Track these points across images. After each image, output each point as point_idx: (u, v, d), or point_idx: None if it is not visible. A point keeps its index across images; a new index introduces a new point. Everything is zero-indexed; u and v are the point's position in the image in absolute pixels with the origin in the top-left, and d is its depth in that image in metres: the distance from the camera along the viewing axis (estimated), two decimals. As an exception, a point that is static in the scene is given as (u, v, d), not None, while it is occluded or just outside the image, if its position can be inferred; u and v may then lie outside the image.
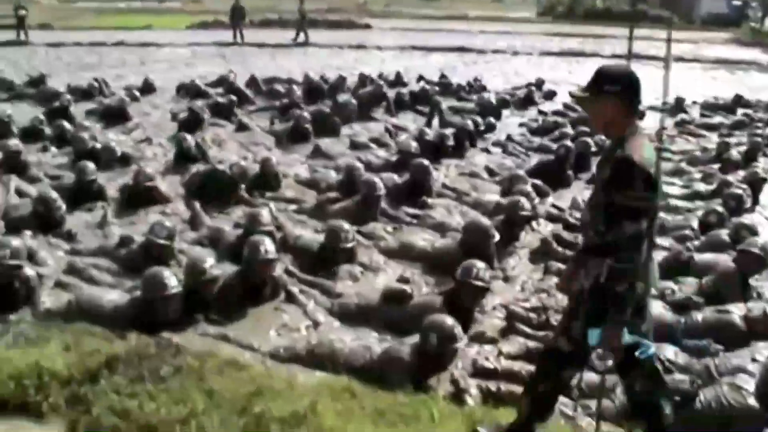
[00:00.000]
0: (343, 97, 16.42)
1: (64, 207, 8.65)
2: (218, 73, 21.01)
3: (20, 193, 9.80)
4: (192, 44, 32.35)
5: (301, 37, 33.98)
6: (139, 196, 9.61)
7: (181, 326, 6.19)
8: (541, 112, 17.12)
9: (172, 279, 6.07)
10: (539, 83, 20.62)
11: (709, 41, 43.27)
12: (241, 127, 14.49)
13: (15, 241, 6.63)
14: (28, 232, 8.16)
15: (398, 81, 20.26)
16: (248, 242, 6.77)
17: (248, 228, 7.65)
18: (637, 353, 3.91)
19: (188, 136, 11.77)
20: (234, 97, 16.06)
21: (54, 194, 8.64)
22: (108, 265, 7.53)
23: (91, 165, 9.88)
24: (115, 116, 15.00)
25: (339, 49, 32.04)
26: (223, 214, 9.39)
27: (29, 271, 6.70)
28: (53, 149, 12.54)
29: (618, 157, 3.78)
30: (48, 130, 13.37)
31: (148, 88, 18.97)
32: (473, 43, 35.47)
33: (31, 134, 13.25)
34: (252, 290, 6.74)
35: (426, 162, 10.25)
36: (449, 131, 12.97)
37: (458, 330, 5.33)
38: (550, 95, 19.37)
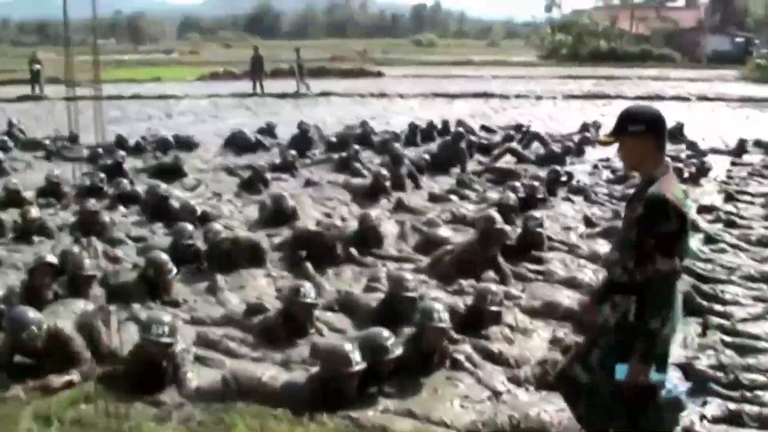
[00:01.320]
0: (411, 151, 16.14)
1: (174, 271, 8.22)
2: (246, 124, 21.04)
3: (110, 258, 9.36)
4: (211, 95, 32.11)
5: (302, 89, 33.76)
6: (236, 258, 9.16)
7: (360, 403, 5.73)
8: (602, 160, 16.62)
9: (356, 354, 5.61)
10: (595, 125, 20.21)
11: (721, 79, 43.52)
12: (308, 183, 14.12)
13: (166, 317, 6.16)
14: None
15: (445, 130, 19.88)
16: (420, 309, 6.34)
17: (393, 292, 7.27)
18: (663, 392, 4.02)
19: (286, 194, 11.33)
20: (294, 152, 15.65)
21: (164, 256, 8.19)
22: (241, 335, 7.10)
23: (189, 227, 9.47)
24: (170, 172, 14.55)
25: (360, 98, 31.89)
26: (335, 276, 8.96)
27: (178, 347, 6.25)
28: (121, 208, 12.08)
29: (651, 195, 3.84)
30: (107, 189, 12.97)
31: (186, 143, 18.51)
32: (491, 88, 35.43)
33: (89, 194, 12.83)
34: (424, 359, 6.30)
35: (538, 215, 9.92)
36: (535, 183, 12.59)
37: None
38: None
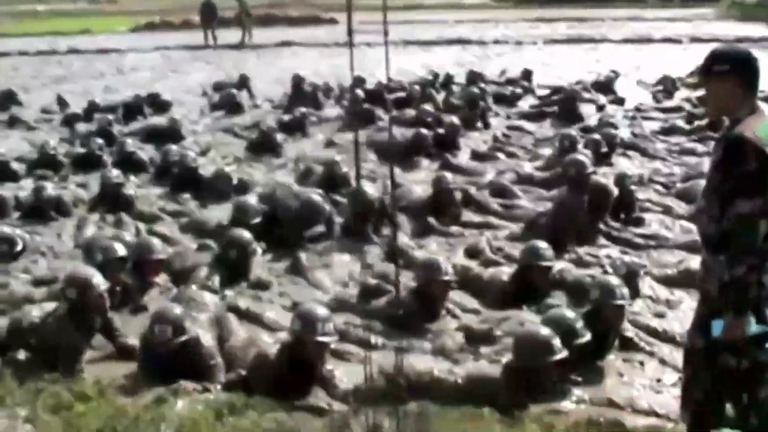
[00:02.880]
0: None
1: (260, 251, 7.80)
2: (213, 78, 20.85)
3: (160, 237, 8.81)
4: (159, 48, 31.17)
5: (248, 39, 33.15)
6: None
7: (548, 394, 5.46)
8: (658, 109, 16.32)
9: (557, 340, 5.30)
10: (614, 75, 19.93)
11: (701, 18, 43.97)
12: (329, 143, 13.70)
13: (321, 310, 5.68)
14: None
15: (449, 81, 19.56)
16: (598, 284, 6.07)
17: (528, 264, 6.97)
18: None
19: (339, 158, 10.88)
20: (304, 109, 15.15)
21: (247, 235, 7.76)
22: (364, 322, 6.71)
23: (251, 201, 9.02)
24: (165, 136, 13.94)
25: (326, 47, 31.22)
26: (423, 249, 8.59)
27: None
28: (132, 178, 11.50)
29: (729, 136, 3.88)
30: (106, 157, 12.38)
31: (156, 101, 17.79)
32: (464, 34, 35.17)
33: (85, 163, 12.26)
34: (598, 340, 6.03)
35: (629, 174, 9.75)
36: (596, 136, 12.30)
37: None
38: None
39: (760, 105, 4.01)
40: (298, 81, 17.97)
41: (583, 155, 9.64)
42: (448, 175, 9.91)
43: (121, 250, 6.95)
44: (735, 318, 3.80)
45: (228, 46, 31.82)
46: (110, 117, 14.70)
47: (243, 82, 19.24)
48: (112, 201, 9.96)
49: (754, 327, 3.81)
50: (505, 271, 7.36)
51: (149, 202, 10.35)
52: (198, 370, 5.67)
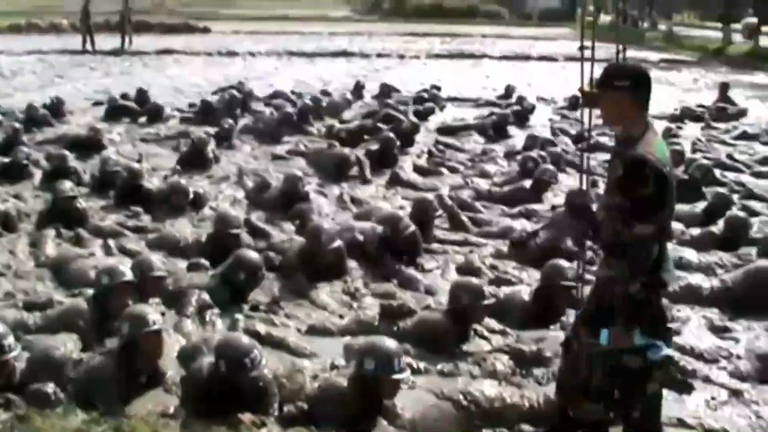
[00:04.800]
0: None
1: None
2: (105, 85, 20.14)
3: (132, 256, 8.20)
4: (32, 52, 29.66)
5: (128, 45, 32.27)
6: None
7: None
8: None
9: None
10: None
11: (564, 38, 45.41)
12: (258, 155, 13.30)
13: (389, 342, 5.33)
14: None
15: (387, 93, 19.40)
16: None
17: (549, 283, 6.85)
18: (649, 354, 4.07)
19: (300, 174, 10.47)
20: (231, 121, 14.58)
21: (256, 257, 7.31)
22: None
23: (232, 214, 8.57)
24: (86, 147, 13.15)
25: (209, 56, 30.56)
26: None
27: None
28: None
29: (630, 156, 4.00)
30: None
31: (56, 108, 16.74)
32: (345, 46, 35.28)
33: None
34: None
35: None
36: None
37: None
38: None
39: (651, 122, 4.20)
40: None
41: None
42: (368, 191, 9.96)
43: (128, 273, 6.40)
44: (623, 330, 4.02)
45: (106, 52, 30.59)
46: (18, 125, 13.65)
47: (142, 95, 18.17)
48: (63, 216, 9.21)
49: (638, 339, 4.03)
50: (523, 290, 7.19)
51: (99, 217, 9.66)
52: (254, 401, 5.26)
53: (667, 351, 4.15)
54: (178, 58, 29.96)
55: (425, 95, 19.19)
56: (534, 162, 11.36)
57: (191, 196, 10.03)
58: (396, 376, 5.04)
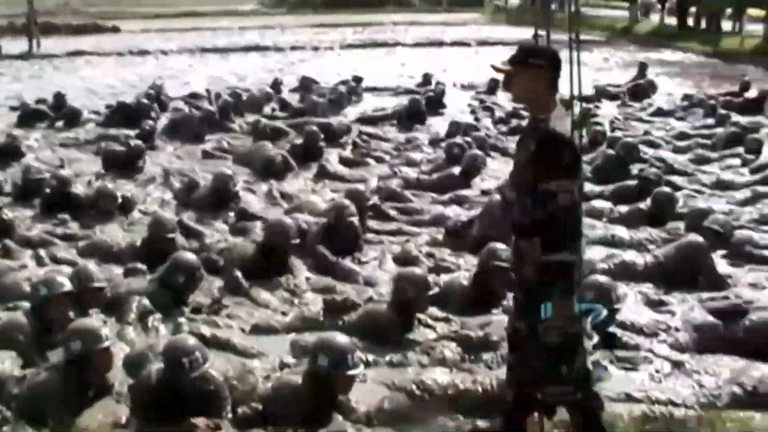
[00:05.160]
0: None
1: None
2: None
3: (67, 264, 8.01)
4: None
5: (35, 47, 31.55)
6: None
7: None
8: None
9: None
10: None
11: (475, 23, 45.96)
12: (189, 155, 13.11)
13: (341, 338, 5.36)
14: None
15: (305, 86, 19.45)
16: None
17: (488, 267, 6.92)
18: (589, 319, 4.18)
19: (229, 172, 10.36)
20: (151, 122, 14.33)
21: (193, 258, 7.24)
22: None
23: (167, 217, 8.47)
24: (3, 154, 12.77)
25: (120, 56, 29.99)
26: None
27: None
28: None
29: (543, 132, 4.07)
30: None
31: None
32: (252, 40, 35.17)
33: None
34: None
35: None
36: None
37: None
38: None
39: (558, 100, 4.21)
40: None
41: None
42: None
43: (67, 284, 6.26)
44: (563, 299, 4.02)
45: (13, 56, 29.77)
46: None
47: (59, 100, 17.58)
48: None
49: (577, 306, 4.09)
50: (461, 276, 7.26)
51: (26, 227, 9.40)
52: (203, 404, 5.21)
53: (605, 312, 4.28)
54: (90, 60, 29.26)
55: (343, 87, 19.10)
56: (459, 148, 11.46)
57: (119, 200, 9.83)
58: (350, 372, 5.06)
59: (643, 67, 20.58)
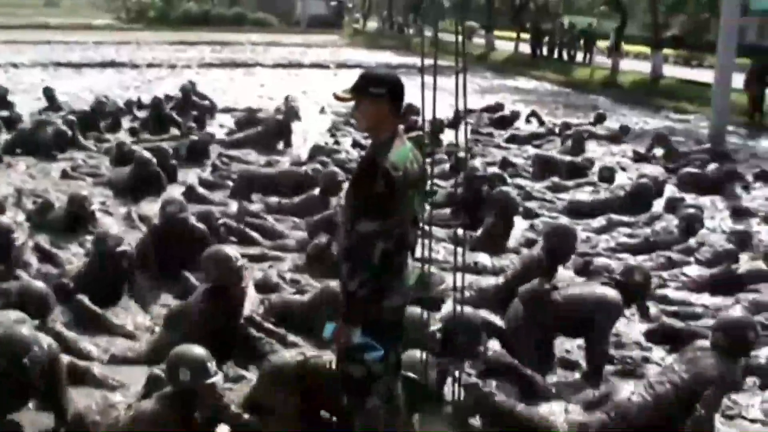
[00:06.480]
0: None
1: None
2: None
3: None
4: None
5: None
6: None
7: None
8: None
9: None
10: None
11: (334, 45, 46.28)
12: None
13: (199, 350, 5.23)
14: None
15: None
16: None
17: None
18: (366, 355, 4.13)
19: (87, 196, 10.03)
20: None
21: (41, 286, 6.94)
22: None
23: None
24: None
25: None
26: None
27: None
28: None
29: (361, 158, 4.40)
30: None
31: None
32: (107, 55, 34.47)
33: None
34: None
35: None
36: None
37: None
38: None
39: (401, 129, 4.25)
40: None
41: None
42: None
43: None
44: (343, 325, 4.06)
45: None
46: None
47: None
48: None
49: (357, 338, 4.05)
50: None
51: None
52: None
53: (382, 355, 4.11)
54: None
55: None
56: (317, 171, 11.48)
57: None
58: (211, 381, 4.94)
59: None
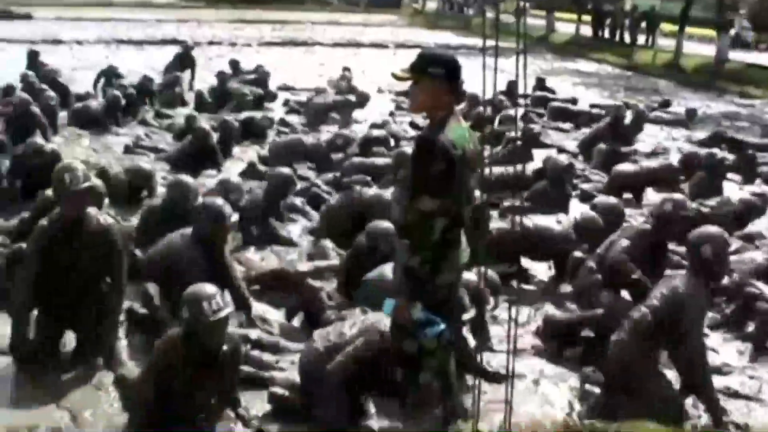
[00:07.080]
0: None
1: None
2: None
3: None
4: None
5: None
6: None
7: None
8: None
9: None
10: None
11: (393, 25, 46.15)
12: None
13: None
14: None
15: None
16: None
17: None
18: (425, 330, 4.12)
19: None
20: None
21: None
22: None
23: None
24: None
25: (34, 45, 29.01)
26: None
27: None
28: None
29: (420, 136, 4.30)
30: None
31: None
32: (168, 33, 34.73)
33: None
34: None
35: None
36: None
37: None
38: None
39: (457, 110, 4.31)
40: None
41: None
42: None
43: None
44: (404, 302, 4.07)
45: None
46: None
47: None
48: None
49: (419, 313, 4.05)
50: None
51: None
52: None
53: (443, 330, 4.11)
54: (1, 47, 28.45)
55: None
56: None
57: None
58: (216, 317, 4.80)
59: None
